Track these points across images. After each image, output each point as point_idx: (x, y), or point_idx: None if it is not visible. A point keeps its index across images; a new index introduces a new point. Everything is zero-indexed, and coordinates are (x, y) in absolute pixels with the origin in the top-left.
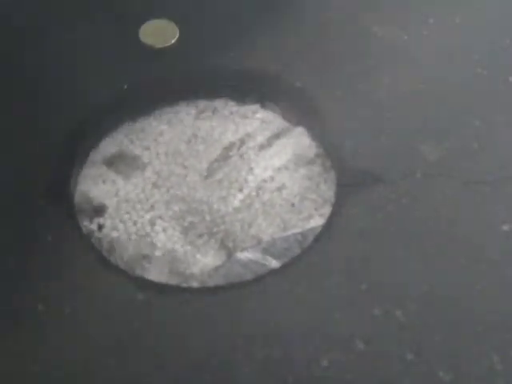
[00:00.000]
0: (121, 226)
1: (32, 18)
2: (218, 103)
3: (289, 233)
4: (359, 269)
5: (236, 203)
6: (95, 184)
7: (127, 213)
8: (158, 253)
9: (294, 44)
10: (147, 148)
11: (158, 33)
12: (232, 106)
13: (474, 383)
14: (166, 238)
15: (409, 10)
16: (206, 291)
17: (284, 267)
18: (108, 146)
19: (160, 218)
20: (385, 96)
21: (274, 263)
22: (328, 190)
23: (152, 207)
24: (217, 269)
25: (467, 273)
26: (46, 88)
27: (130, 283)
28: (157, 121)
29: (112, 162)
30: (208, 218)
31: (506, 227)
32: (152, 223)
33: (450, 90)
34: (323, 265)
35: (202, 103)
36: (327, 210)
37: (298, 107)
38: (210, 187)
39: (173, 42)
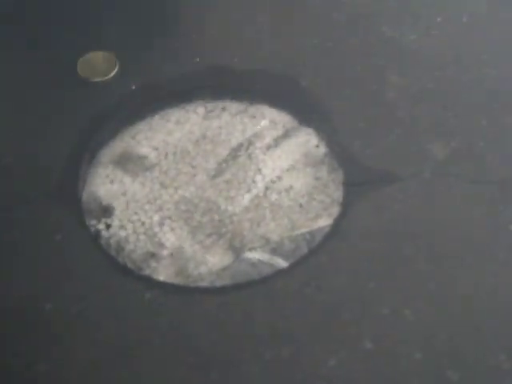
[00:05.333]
0: (129, 226)
1: None
2: (226, 103)
3: (297, 233)
4: (367, 268)
5: (244, 203)
6: (103, 184)
7: (135, 213)
8: (166, 252)
9: (302, 43)
10: (155, 148)
11: (96, 65)
12: (240, 106)
13: (482, 382)
14: (175, 238)
15: (417, 9)
16: (213, 291)
17: (292, 267)
18: (116, 146)
19: (168, 217)
20: (393, 95)
21: (282, 263)
22: (336, 190)
23: (160, 207)
24: (225, 269)
25: (474, 272)
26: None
27: (137, 283)
28: (165, 120)
29: (120, 162)
30: (216, 217)
31: None
32: (160, 223)
33: (458, 90)
34: (331, 264)
35: (210, 103)
36: (335, 210)
37: (306, 107)
38: (218, 187)
39: (112, 74)
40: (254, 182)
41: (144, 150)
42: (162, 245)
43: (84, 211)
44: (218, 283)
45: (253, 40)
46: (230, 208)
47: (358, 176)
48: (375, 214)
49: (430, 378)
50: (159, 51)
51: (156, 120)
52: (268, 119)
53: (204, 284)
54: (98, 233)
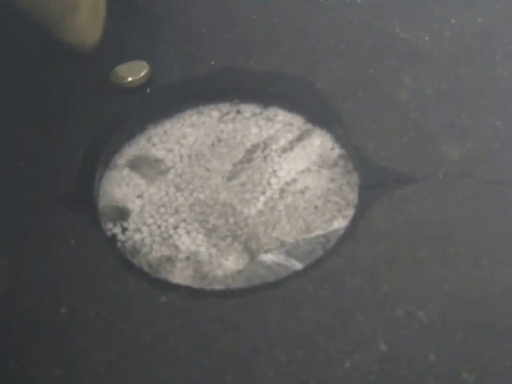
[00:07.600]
0: (145, 229)
1: None
2: (241, 106)
3: (312, 235)
4: (382, 270)
5: (259, 206)
6: (118, 187)
7: (151, 216)
8: (181, 255)
9: (317, 45)
10: (170, 151)
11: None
12: (255, 109)
13: (498, 383)
14: (190, 241)
15: (430, 10)
16: (229, 294)
17: (307, 269)
18: (131, 149)
19: (184, 220)
20: (406, 97)
21: (298, 265)
22: (351, 192)
23: (176, 210)
24: (240, 271)
25: (489, 273)
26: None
27: (153, 286)
28: (180, 123)
29: (135, 165)
30: (231, 220)
31: None
32: (176, 226)
33: (472, 91)
34: (346, 266)
35: (225, 106)
36: (350, 212)
37: (321, 109)
38: (234, 190)
39: (142, 74)
40: (269, 184)
41: (159, 153)
42: (177, 248)
43: (99, 214)
44: (234, 286)
45: (267, 42)
46: (245, 210)
47: (373, 178)
48: (390, 216)
49: (445, 380)
50: (173, 55)
51: (171, 123)
52: (283, 121)
53: (219, 287)
54: (113, 236)
